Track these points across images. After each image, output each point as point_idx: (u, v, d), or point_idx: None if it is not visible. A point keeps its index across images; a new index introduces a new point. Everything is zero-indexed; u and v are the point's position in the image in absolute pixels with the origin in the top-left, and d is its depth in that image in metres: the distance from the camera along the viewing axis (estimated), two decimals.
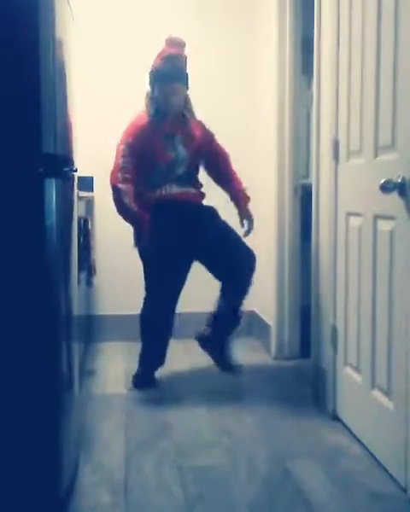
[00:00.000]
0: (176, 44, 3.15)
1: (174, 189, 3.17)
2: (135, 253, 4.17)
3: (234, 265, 3.28)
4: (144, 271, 3.23)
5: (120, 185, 3.09)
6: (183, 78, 3.16)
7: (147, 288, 3.24)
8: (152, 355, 3.30)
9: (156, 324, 3.26)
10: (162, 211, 3.13)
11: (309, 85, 3.75)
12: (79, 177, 2.84)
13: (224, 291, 3.32)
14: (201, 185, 3.33)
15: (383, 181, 2.17)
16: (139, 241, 3.15)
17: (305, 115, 4.05)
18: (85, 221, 3.40)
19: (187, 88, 3.19)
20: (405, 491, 2.12)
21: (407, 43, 2.10)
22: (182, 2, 4.12)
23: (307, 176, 4.21)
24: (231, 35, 4.16)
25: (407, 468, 2.11)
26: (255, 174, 3.97)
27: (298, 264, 3.72)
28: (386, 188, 2.16)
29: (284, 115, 3.63)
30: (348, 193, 2.66)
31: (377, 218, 2.37)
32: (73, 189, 2.37)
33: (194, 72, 3.84)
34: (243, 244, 3.30)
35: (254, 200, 4.15)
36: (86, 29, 3.88)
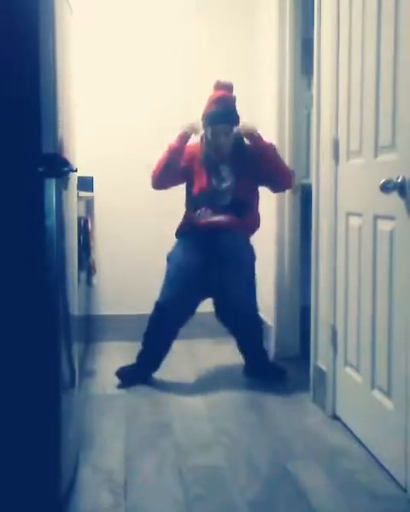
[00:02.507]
0: (224, 87, 3.30)
1: (208, 215, 3.24)
2: (135, 253, 4.18)
3: (232, 310, 3.32)
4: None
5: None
6: (233, 119, 3.27)
7: (160, 296, 3.29)
8: (148, 358, 3.32)
9: (158, 333, 3.29)
10: (187, 235, 3.27)
11: (309, 85, 3.75)
12: (79, 177, 2.83)
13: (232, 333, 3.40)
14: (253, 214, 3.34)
15: (383, 181, 2.17)
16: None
17: (305, 115, 4.05)
18: (85, 221, 3.40)
19: (236, 126, 3.28)
20: (405, 491, 2.12)
21: (407, 42, 2.10)
22: (182, 2, 4.12)
23: (307, 176, 4.21)
24: (231, 35, 4.16)
25: (407, 468, 2.11)
26: None
27: (298, 264, 3.72)
28: (386, 188, 2.16)
29: (284, 115, 3.63)
30: (348, 193, 2.66)
31: (377, 218, 2.37)
32: (73, 189, 2.37)
33: (194, 72, 3.85)
34: (249, 287, 3.31)
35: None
36: (87, 28, 3.89)
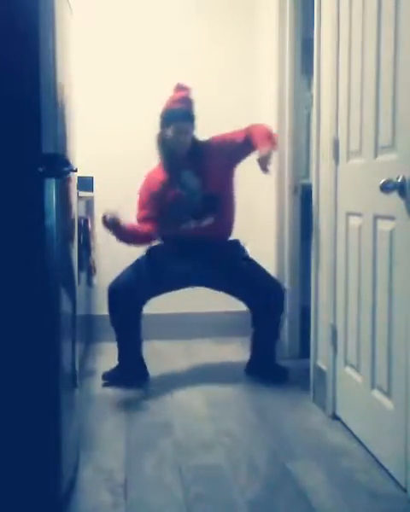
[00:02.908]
0: (184, 88, 3.31)
1: (191, 225, 3.25)
2: (135, 253, 4.17)
3: (259, 296, 3.33)
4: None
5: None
6: (193, 117, 3.27)
7: (112, 291, 3.31)
8: (124, 355, 3.35)
9: (123, 323, 3.34)
10: (176, 247, 3.28)
11: (309, 85, 3.75)
12: (79, 177, 2.83)
13: (254, 320, 3.41)
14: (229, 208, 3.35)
15: (383, 181, 2.17)
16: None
17: (305, 115, 4.05)
18: (85, 221, 3.40)
19: (194, 128, 3.28)
20: (405, 491, 2.12)
21: (407, 42, 2.10)
22: (182, 1, 4.12)
23: (307, 176, 4.21)
24: (231, 35, 4.16)
25: (407, 468, 2.11)
26: (255, 174, 3.97)
27: (298, 265, 3.72)
28: (386, 188, 2.16)
29: (284, 115, 3.63)
30: (348, 193, 2.66)
31: (377, 218, 2.37)
32: (73, 189, 2.37)
33: (194, 72, 3.85)
34: (268, 276, 3.35)
35: (254, 200, 4.16)
36: (87, 28, 3.89)
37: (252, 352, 3.44)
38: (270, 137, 3.21)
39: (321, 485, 2.21)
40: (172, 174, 3.28)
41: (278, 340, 3.44)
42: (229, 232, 3.37)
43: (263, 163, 3.08)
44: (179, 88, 3.33)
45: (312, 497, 2.13)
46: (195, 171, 3.27)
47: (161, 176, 3.32)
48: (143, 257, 3.32)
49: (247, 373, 3.41)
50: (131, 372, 3.33)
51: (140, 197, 3.33)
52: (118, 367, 3.35)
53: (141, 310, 3.31)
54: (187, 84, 3.32)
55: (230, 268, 3.29)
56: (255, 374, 3.38)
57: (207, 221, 3.26)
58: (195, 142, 3.29)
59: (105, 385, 3.26)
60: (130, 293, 3.25)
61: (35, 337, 1.88)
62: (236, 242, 3.37)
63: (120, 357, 3.35)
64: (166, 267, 3.25)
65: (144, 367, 3.35)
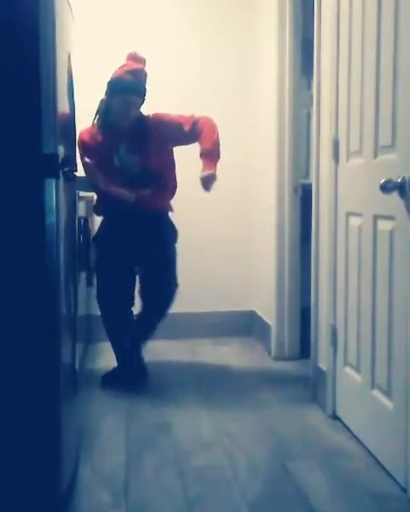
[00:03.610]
0: (138, 59, 3.22)
1: (131, 199, 3.16)
2: None
3: (154, 288, 3.29)
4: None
5: (93, 170, 3.17)
6: (142, 92, 3.19)
7: (97, 291, 3.29)
8: (119, 355, 3.34)
9: (113, 324, 3.31)
10: (108, 215, 3.25)
11: (309, 85, 3.75)
12: (79, 177, 2.83)
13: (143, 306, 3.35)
14: (165, 182, 3.27)
15: (383, 181, 2.17)
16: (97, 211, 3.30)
17: (305, 115, 4.05)
18: (85, 221, 3.39)
19: (143, 102, 3.21)
20: (405, 491, 2.12)
21: (407, 42, 2.10)
22: (182, 2, 4.12)
23: (307, 176, 4.21)
24: (232, 35, 4.16)
25: (407, 468, 2.11)
26: (255, 174, 3.97)
27: (298, 264, 3.72)
28: (386, 188, 2.16)
29: (284, 115, 3.63)
30: (348, 193, 2.66)
31: (377, 217, 2.37)
32: (73, 189, 2.37)
33: (194, 72, 3.85)
34: (172, 268, 3.29)
35: (254, 200, 4.16)
36: (86, 28, 3.88)
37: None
38: (216, 146, 3.17)
39: (321, 485, 2.21)
40: (109, 145, 3.18)
41: (146, 343, 3.39)
42: (165, 207, 3.31)
43: (206, 184, 3.10)
44: (135, 58, 3.22)
45: (312, 497, 2.13)
46: (132, 146, 3.18)
47: (92, 138, 3.21)
48: (95, 248, 3.28)
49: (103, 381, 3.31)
50: (129, 372, 3.32)
51: (80, 153, 3.18)
52: (117, 368, 3.34)
53: (129, 307, 3.30)
54: (143, 55, 3.22)
55: (151, 241, 3.23)
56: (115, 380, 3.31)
57: (143, 192, 3.17)
58: (137, 118, 3.20)
59: (104, 386, 3.26)
60: (113, 293, 3.25)
61: (35, 337, 1.88)
62: (163, 214, 3.29)
63: (118, 358, 3.34)
64: (115, 247, 3.21)
65: (143, 367, 3.35)
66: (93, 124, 3.22)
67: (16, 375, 1.88)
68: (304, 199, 3.62)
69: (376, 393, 2.38)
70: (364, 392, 2.49)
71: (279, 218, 3.70)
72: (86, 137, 3.21)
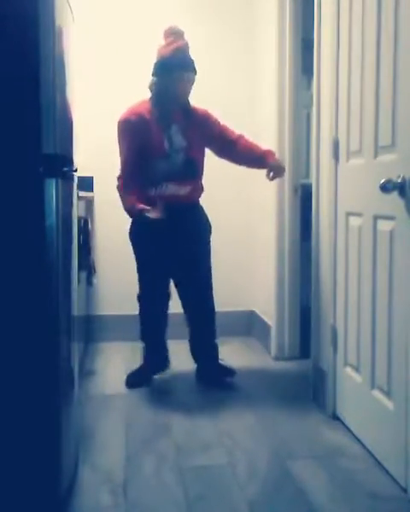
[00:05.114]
0: (179, 34, 3.17)
1: (170, 190, 3.15)
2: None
3: (188, 284, 3.28)
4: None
5: (122, 194, 3.17)
6: (194, 67, 3.18)
7: (139, 288, 3.29)
8: (149, 355, 3.33)
9: (148, 324, 3.31)
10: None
11: (309, 85, 3.75)
12: (79, 177, 2.83)
13: (185, 309, 3.33)
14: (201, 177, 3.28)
15: (383, 181, 2.17)
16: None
17: (305, 115, 4.05)
18: (85, 221, 3.40)
19: (195, 74, 3.20)
20: (405, 491, 2.12)
21: (407, 42, 2.10)
22: (182, 1, 4.12)
23: (307, 176, 4.21)
24: (231, 35, 4.16)
25: (407, 468, 2.11)
26: (255, 174, 3.97)
27: (298, 264, 3.72)
28: (386, 188, 2.16)
29: (284, 115, 3.63)
30: (348, 193, 2.66)
31: (377, 218, 2.37)
32: (73, 189, 2.37)
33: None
34: (203, 266, 3.28)
35: (254, 200, 4.16)
36: (87, 29, 3.89)
37: (195, 357, 3.37)
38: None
39: (321, 485, 2.21)
40: (162, 125, 3.14)
41: (216, 340, 3.35)
42: (198, 202, 3.31)
43: (277, 170, 3.20)
44: (175, 34, 3.17)
45: (312, 497, 2.13)
46: (181, 129, 3.17)
47: (141, 110, 3.16)
48: (133, 247, 3.25)
49: (198, 380, 3.33)
50: (154, 371, 3.33)
51: (120, 144, 3.18)
52: (142, 367, 3.33)
53: (166, 303, 3.29)
54: (179, 27, 3.17)
55: (193, 241, 3.22)
56: (205, 381, 3.31)
57: (185, 189, 3.17)
58: (188, 100, 3.22)
59: (130, 386, 3.25)
60: (152, 289, 3.25)
61: (34, 337, 1.88)
62: (201, 209, 3.29)
63: (146, 357, 3.33)
64: (155, 246, 3.15)
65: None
66: (149, 101, 3.19)
67: (16, 374, 1.88)
68: (304, 199, 3.62)
69: (376, 393, 2.38)
70: (364, 393, 2.49)
71: (279, 217, 3.70)
72: (133, 117, 3.14)
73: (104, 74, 4.10)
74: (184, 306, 3.32)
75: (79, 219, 2.96)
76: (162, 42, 3.19)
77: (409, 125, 2.09)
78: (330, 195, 2.82)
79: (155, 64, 3.19)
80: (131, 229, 3.24)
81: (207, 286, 3.30)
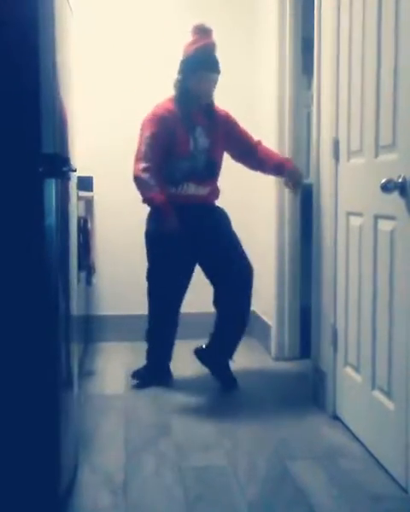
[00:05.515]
0: (207, 32, 3.13)
1: (191, 190, 3.14)
2: (135, 253, 4.16)
3: (231, 274, 3.19)
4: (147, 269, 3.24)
5: (140, 175, 3.05)
6: (218, 67, 3.14)
7: (148, 287, 3.26)
8: (157, 354, 3.32)
9: (159, 324, 3.28)
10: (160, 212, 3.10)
11: (309, 85, 3.75)
12: (79, 177, 2.83)
13: (218, 300, 3.25)
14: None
15: (383, 181, 2.16)
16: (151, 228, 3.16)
17: (305, 115, 4.05)
18: (85, 221, 3.39)
19: (219, 75, 3.16)
20: (405, 491, 2.12)
21: (408, 42, 2.09)
22: (182, 1, 4.12)
23: (307, 176, 4.20)
24: (232, 35, 4.15)
25: (407, 468, 2.11)
26: (256, 173, 3.96)
27: (298, 264, 3.72)
28: (387, 187, 2.16)
29: (284, 115, 3.63)
30: (349, 193, 2.66)
31: (377, 217, 2.37)
32: (72, 189, 2.37)
33: None
34: (244, 255, 3.23)
35: (254, 200, 4.16)
36: (86, 27, 3.88)
37: (211, 342, 3.28)
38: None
39: (321, 485, 2.21)
40: (188, 125, 3.11)
41: (240, 340, 3.27)
42: (215, 204, 3.30)
43: (297, 179, 3.22)
44: (203, 32, 3.12)
45: (312, 497, 2.12)
46: (205, 130, 3.15)
47: (169, 108, 3.12)
48: (149, 245, 3.21)
49: (195, 353, 3.30)
50: (156, 374, 3.32)
51: (142, 137, 3.09)
52: (145, 367, 3.32)
53: (178, 306, 3.27)
54: (207, 25, 3.13)
55: (216, 236, 3.19)
56: (205, 363, 3.29)
57: (204, 190, 3.17)
58: (212, 102, 3.20)
59: (137, 386, 3.24)
60: (167, 290, 3.23)
61: (34, 337, 1.88)
62: (223, 210, 3.28)
63: (149, 358, 3.32)
64: (173, 246, 3.11)
65: (168, 369, 3.33)
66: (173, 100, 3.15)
67: (15, 375, 1.88)
68: (304, 199, 3.62)
69: (376, 394, 2.38)
70: (364, 393, 2.48)
71: (279, 217, 3.69)
72: (165, 113, 3.10)
73: (104, 74, 4.10)
74: (218, 301, 3.24)
75: (79, 219, 2.96)
76: (189, 39, 3.15)
77: None
78: (330, 195, 2.81)
79: (180, 62, 3.17)
80: (148, 229, 3.19)
81: (248, 279, 3.21)
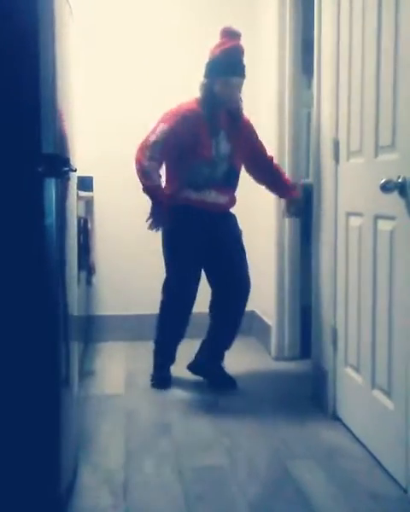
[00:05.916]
0: (235, 35, 3.09)
1: (212, 197, 3.12)
2: (135, 253, 4.17)
3: (231, 286, 3.22)
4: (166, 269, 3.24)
5: (145, 163, 3.03)
6: (243, 71, 3.10)
7: (165, 295, 3.25)
8: (165, 353, 3.31)
9: (171, 331, 3.28)
10: (189, 216, 3.11)
11: (309, 85, 3.75)
12: (79, 177, 2.83)
13: (214, 307, 3.28)
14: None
15: (383, 181, 2.16)
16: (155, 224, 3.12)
17: (305, 115, 4.05)
18: (85, 221, 3.40)
19: (244, 79, 3.12)
20: (405, 491, 2.12)
21: (408, 42, 2.09)
22: (182, 1, 4.12)
23: (307, 176, 4.21)
24: None
25: (407, 468, 2.11)
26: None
27: (298, 264, 3.72)
28: (386, 188, 2.16)
29: (284, 115, 3.63)
30: (349, 193, 2.66)
31: (377, 217, 2.37)
32: (72, 189, 2.37)
33: (195, 71, 3.83)
34: (246, 269, 3.25)
35: (254, 200, 4.16)
36: (86, 28, 3.88)
37: (201, 350, 3.31)
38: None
39: (321, 485, 2.21)
40: (211, 129, 3.07)
41: (231, 344, 3.30)
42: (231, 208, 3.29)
43: (296, 208, 3.29)
44: (231, 35, 3.07)
45: (312, 497, 2.12)
46: (228, 135, 3.12)
47: (194, 108, 3.08)
48: (165, 252, 3.20)
49: (189, 369, 3.31)
50: (161, 378, 3.29)
51: (157, 127, 3.04)
52: (158, 368, 3.31)
53: (190, 311, 3.26)
54: (236, 28, 3.08)
55: (225, 241, 3.20)
56: (200, 374, 3.30)
57: (224, 198, 3.16)
58: (237, 108, 3.15)
59: (154, 385, 3.24)
60: (181, 293, 3.22)
61: (34, 337, 1.88)
62: (234, 216, 3.27)
63: (156, 363, 3.30)
64: (190, 247, 3.13)
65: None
66: (197, 102, 3.10)
67: (15, 375, 1.88)
68: (304, 199, 3.61)
69: (376, 394, 2.38)
70: (364, 393, 2.48)
71: (279, 218, 3.69)
72: (190, 112, 3.06)
73: (104, 74, 4.10)
74: (215, 306, 3.26)
75: (79, 219, 2.96)
76: (216, 41, 3.12)
77: (409, 125, 2.09)
78: (330, 195, 2.81)
79: (205, 64, 3.13)
80: (166, 233, 3.16)
81: (246, 291, 3.26)
